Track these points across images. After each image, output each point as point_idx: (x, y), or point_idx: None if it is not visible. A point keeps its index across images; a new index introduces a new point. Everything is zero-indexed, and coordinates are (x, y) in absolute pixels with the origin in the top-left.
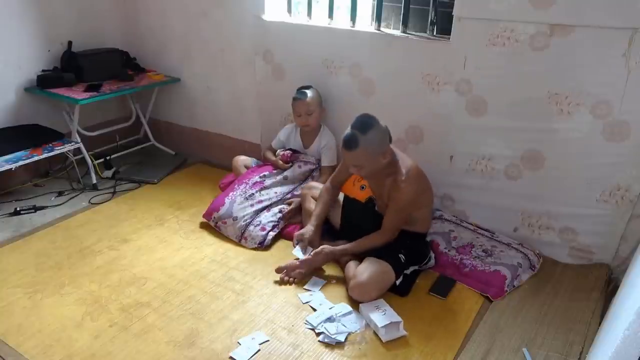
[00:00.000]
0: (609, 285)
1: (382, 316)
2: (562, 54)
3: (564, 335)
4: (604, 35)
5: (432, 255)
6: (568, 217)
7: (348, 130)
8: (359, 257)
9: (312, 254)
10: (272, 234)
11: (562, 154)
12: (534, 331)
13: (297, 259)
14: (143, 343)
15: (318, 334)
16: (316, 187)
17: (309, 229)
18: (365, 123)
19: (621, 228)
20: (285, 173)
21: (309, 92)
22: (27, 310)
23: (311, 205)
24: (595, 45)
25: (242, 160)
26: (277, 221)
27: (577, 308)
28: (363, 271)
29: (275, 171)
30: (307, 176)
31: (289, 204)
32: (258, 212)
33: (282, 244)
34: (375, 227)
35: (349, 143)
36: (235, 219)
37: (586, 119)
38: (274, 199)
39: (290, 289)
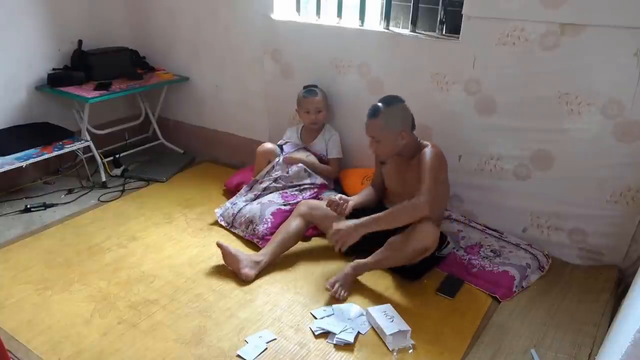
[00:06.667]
0: (619, 287)
1: (390, 323)
2: (573, 54)
3: (573, 337)
4: (614, 35)
5: (450, 240)
6: (578, 218)
7: None
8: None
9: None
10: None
11: (572, 154)
12: (542, 332)
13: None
14: (151, 340)
15: (326, 335)
16: (319, 208)
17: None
18: (390, 98)
19: (631, 229)
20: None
21: (319, 91)
22: (36, 307)
23: (297, 223)
24: (606, 45)
25: (266, 151)
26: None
27: (586, 310)
28: (416, 224)
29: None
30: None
31: None
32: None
33: None
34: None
35: (372, 111)
36: (245, 217)
37: (596, 119)
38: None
39: (297, 289)
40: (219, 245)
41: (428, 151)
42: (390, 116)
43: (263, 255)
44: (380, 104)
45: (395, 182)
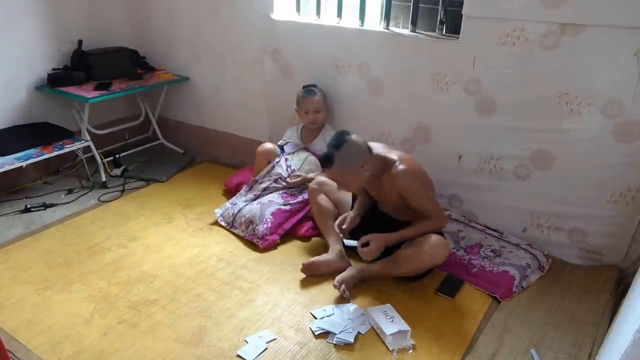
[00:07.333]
0: (619, 287)
1: (389, 323)
2: (573, 54)
3: (573, 337)
4: (614, 35)
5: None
6: (578, 218)
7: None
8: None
9: (361, 243)
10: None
11: (571, 154)
12: (542, 332)
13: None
14: (151, 340)
15: (326, 335)
16: (327, 183)
17: (350, 215)
18: (338, 140)
19: (631, 229)
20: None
21: (317, 91)
22: (36, 307)
23: (323, 202)
24: (606, 45)
25: (266, 151)
26: (284, 206)
27: (586, 309)
28: (427, 238)
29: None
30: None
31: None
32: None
33: (290, 244)
34: (382, 225)
35: (325, 161)
36: (246, 217)
37: (596, 119)
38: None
39: (297, 289)
40: (307, 265)
41: (402, 177)
42: (345, 158)
43: (336, 242)
44: (330, 151)
45: (377, 194)
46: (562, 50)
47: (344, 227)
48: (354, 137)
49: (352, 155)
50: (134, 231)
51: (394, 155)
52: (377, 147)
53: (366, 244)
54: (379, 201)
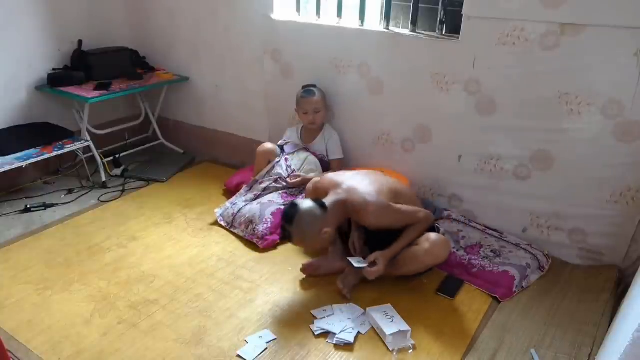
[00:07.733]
0: (619, 287)
1: (389, 323)
2: (573, 54)
3: (573, 337)
4: (614, 35)
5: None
6: (578, 218)
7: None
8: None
9: (368, 263)
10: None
11: (572, 154)
12: (542, 332)
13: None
14: (151, 340)
15: (326, 335)
16: (316, 181)
17: (354, 235)
18: (289, 214)
19: (631, 229)
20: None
21: (316, 91)
22: (36, 307)
23: None
24: (606, 45)
25: (266, 151)
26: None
27: (586, 310)
28: (427, 238)
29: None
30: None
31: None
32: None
33: (290, 244)
34: (380, 235)
35: (284, 235)
36: (246, 217)
37: (596, 119)
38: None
39: (297, 289)
40: (307, 266)
41: (373, 217)
42: (299, 229)
43: (336, 243)
44: (285, 226)
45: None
46: (562, 50)
47: (357, 250)
48: (304, 206)
49: (306, 226)
50: (134, 231)
51: (356, 195)
52: (340, 186)
53: (372, 263)
54: None
